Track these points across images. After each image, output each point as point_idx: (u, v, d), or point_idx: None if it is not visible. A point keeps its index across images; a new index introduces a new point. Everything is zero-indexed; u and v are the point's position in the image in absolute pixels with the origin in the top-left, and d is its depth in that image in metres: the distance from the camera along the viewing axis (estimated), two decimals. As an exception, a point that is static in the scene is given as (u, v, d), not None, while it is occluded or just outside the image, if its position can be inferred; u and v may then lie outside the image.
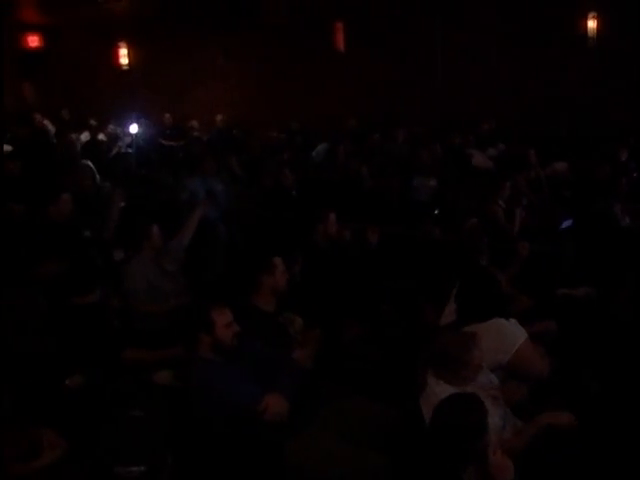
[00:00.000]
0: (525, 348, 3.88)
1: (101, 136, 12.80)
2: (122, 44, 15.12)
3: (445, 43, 12.15)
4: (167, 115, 13.98)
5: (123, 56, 15.21)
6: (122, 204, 7.58)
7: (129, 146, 11.82)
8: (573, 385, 3.94)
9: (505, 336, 3.86)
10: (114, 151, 11.45)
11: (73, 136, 11.68)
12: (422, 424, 3.39)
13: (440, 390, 3.40)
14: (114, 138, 12.26)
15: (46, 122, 13.45)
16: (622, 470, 3.32)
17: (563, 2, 11.00)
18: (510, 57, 11.57)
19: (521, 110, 11.34)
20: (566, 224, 6.85)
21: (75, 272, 5.38)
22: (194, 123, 13.62)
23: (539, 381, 3.88)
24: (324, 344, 4.58)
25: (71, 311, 4.90)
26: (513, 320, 4.03)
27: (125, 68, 15.28)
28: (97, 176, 8.88)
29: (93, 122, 13.65)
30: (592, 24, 11.10)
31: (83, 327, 4.68)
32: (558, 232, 6.77)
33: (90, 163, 9.02)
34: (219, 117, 13.79)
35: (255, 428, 3.66)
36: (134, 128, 12.39)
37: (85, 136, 12.56)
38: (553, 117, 10.92)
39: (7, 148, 10.20)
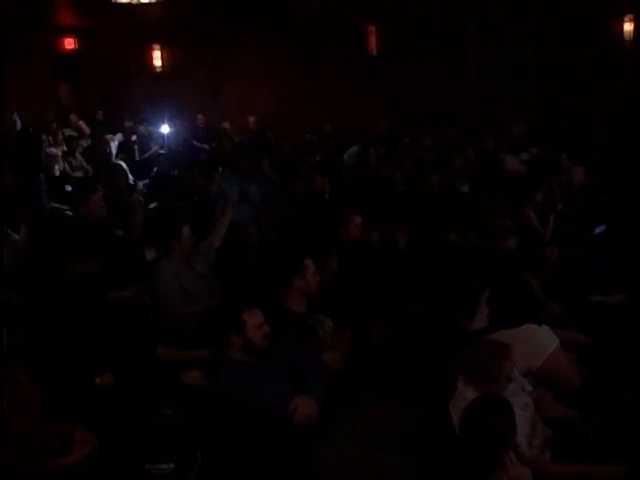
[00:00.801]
0: (557, 355, 3.84)
1: (134, 137, 12.94)
2: (156, 46, 15.25)
3: (478, 46, 12.07)
4: (200, 116, 14.06)
5: (157, 58, 15.34)
6: (152, 205, 7.69)
7: (161, 147, 11.94)
8: (606, 394, 3.89)
9: (537, 342, 3.83)
10: (151, 151, 11.57)
11: (108, 137, 11.82)
12: (452, 429, 3.37)
13: (470, 395, 3.38)
14: (147, 139, 12.37)
15: (81, 123, 13.62)
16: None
17: (599, 5, 10.87)
18: (544, 60, 11.45)
19: (555, 114, 11.23)
20: (599, 230, 6.77)
21: (108, 270, 5.43)
22: (226, 125, 13.69)
23: (569, 389, 3.84)
24: (354, 347, 4.58)
25: (105, 308, 4.95)
26: (545, 326, 3.99)
27: (159, 70, 15.41)
28: (130, 176, 8.99)
29: (127, 123, 13.80)
30: (628, 27, 10.97)
31: (117, 324, 4.72)
32: (591, 238, 6.70)
33: (123, 164, 9.13)
34: (251, 119, 13.85)
35: (283, 429, 3.66)
36: (165, 129, 12.54)
37: (119, 137, 12.69)
38: (587, 121, 10.80)
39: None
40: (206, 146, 12.72)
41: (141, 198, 6.60)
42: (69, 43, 15.69)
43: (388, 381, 4.34)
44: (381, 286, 5.24)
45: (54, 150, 10.59)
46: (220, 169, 8.17)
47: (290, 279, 4.56)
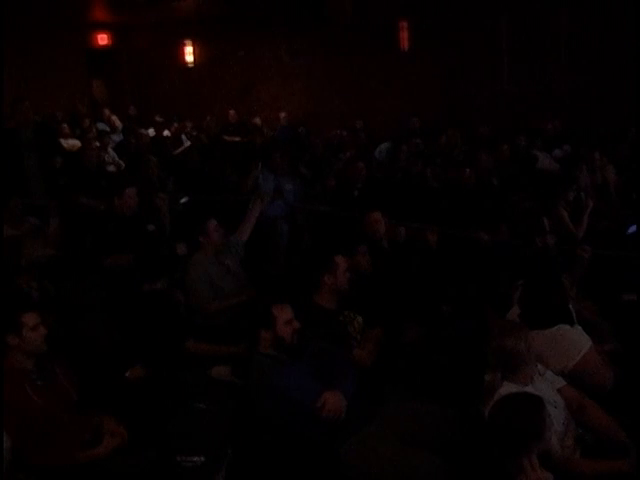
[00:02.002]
0: (590, 356, 3.82)
1: (166, 132, 13.01)
2: (188, 42, 15.34)
3: (511, 41, 11.97)
4: (231, 112, 14.11)
5: (189, 54, 15.43)
6: (183, 200, 7.71)
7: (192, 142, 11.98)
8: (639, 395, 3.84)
9: (571, 342, 3.81)
10: (183, 146, 11.63)
11: (141, 131, 11.91)
12: (483, 428, 3.35)
13: (504, 390, 3.37)
14: (179, 135, 12.44)
15: (114, 118, 13.72)
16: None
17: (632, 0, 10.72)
18: (578, 56, 11.31)
19: (589, 111, 11.08)
20: (632, 229, 6.68)
21: (141, 263, 5.48)
22: (257, 120, 13.72)
23: (602, 391, 3.80)
24: (384, 344, 4.57)
25: (137, 302, 4.99)
26: (578, 327, 3.95)
27: (190, 66, 15.50)
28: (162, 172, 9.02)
29: (159, 118, 13.87)
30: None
31: (148, 317, 4.76)
32: (624, 237, 6.61)
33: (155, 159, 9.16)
34: (283, 114, 13.86)
35: (312, 424, 3.67)
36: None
37: (151, 132, 12.78)
38: (621, 118, 10.64)
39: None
40: (237, 138, 12.74)
41: (164, 195, 6.63)
42: (102, 39, 15.84)
43: (419, 380, 4.32)
44: (413, 285, 5.22)
45: (70, 142, 10.71)
46: (258, 164, 8.16)
47: (321, 277, 4.57)
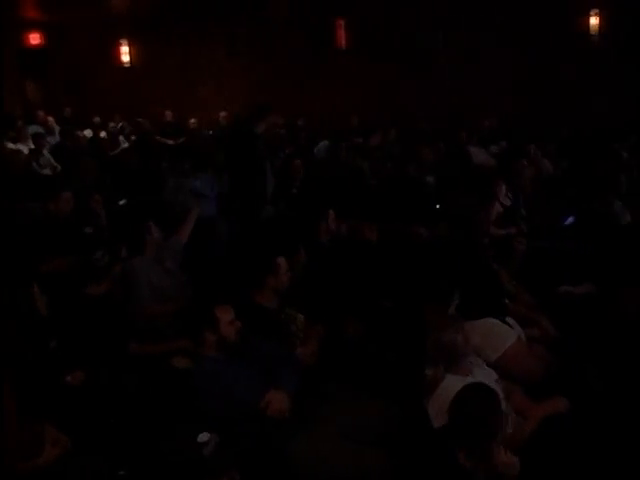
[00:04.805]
0: (516, 348, 3.90)
1: (103, 134, 12.81)
2: (123, 41, 15.16)
3: (447, 40, 12.14)
4: (168, 112, 13.99)
5: (125, 53, 15.25)
6: (123, 201, 7.61)
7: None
8: (576, 384, 3.93)
9: (495, 335, 3.89)
10: (120, 147, 11.47)
11: (78, 133, 11.70)
12: (427, 422, 3.39)
13: (446, 383, 3.42)
14: (116, 136, 12.27)
15: (50, 119, 13.43)
16: (623, 468, 3.31)
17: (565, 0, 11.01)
18: (511, 54, 11.55)
19: (522, 107, 11.32)
20: (568, 221, 6.84)
21: (78, 268, 5.40)
22: (192, 120, 13.61)
23: (530, 382, 3.87)
24: (326, 341, 4.59)
25: (76, 305, 4.92)
26: (511, 320, 4.04)
27: (127, 66, 15.29)
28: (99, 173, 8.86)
29: (96, 119, 13.65)
30: (594, 21, 11.10)
31: (88, 321, 4.69)
32: (560, 229, 6.76)
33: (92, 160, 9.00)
34: (223, 114, 13.78)
35: (257, 425, 3.66)
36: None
37: (88, 133, 12.56)
38: (554, 115, 10.90)
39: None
40: (170, 141, 12.65)
41: (99, 197, 6.55)
42: (34, 38, 15.50)
43: (361, 375, 4.35)
44: (353, 281, 5.25)
45: (11, 145, 10.49)
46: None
47: (264, 277, 4.57)
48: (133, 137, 12.59)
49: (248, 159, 6.95)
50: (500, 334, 3.91)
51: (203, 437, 3.49)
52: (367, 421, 3.79)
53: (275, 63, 13.57)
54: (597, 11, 11.08)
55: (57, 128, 13.06)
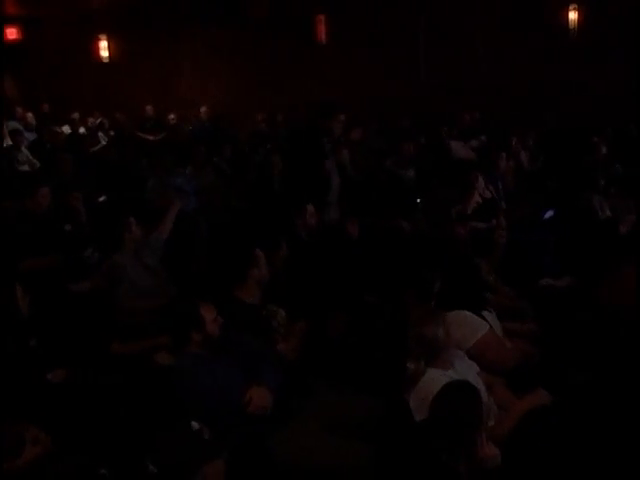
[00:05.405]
0: (487, 340, 3.93)
1: (82, 130, 12.71)
2: (102, 37, 15.01)
3: (428, 35, 12.16)
4: (148, 107, 13.92)
5: (103, 49, 15.10)
6: (102, 198, 7.57)
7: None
8: (557, 376, 3.96)
9: (465, 327, 3.91)
10: (100, 144, 11.40)
11: (56, 129, 11.61)
12: (409, 416, 3.40)
13: (428, 376, 3.43)
14: (95, 132, 12.18)
15: (29, 115, 13.30)
16: (605, 461, 3.34)
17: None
18: (492, 48, 11.59)
19: (503, 102, 11.37)
20: (548, 214, 6.88)
21: (66, 266, 5.37)
22: (172, 116, 13.55)
23: (502, 371, 3.91)
24: (308, 336, 4.60)
25: (58, 303, 4.89)
26: (490, 313, 4.07)
27: (106, 61, 15.17)
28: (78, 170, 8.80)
29: (75, 115, 13.54)
30: (573, 15, 11.16)
31: (70, 319, 4.66)
32: (541, 222, 6.80)
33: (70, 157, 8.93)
34: (203, 109, 13.71)
35: (240, 421, 3.66)
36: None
37: (66, 129, 12.46)
38: (535, 109, 10.96)
39: None
40: (150, 137, 12.57)
41: (78, 194, 6.51)
42: (11, 33, 15.31)
43: (344, 371, 4.36)
44: (335, 275, 5.26)
45: None
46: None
47: (246, 269, 4.57)
48: (112, 133, 12.52)
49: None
50: (474, 324, 3.94)
51: (195, 425, 3.49)
52: (349, 415, 3.80)
53: (255, 58, 13.52)
54: (576, 5, 11.14)
55: (35, 124, 12.96)
